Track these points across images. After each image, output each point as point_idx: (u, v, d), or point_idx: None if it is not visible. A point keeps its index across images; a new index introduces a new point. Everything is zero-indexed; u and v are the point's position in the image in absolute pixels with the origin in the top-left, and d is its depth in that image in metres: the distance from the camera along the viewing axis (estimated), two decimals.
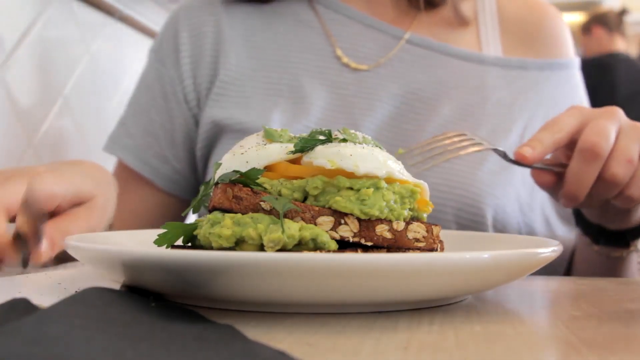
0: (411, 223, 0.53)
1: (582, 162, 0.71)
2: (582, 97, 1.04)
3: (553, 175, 0.76)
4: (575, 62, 1.06)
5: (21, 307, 0.41)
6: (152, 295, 0.49)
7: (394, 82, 0.97)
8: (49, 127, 1.04)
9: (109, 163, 1.07)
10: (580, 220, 0.87)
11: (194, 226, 0.54)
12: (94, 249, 0.50)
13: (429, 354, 0.38)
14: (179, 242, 0.56)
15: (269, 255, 0.42)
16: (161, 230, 0.55)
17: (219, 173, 0.56)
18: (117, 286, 0.51)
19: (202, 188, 0.58)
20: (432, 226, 0.54)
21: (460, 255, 0.45)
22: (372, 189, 0.52)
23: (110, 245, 0.50)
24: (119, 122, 1.03)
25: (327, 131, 0.57)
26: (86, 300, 0.42)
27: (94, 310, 0.40)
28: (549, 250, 0.52)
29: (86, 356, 0.31)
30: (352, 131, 0.58)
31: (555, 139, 0.73)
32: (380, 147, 0.58)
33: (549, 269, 0.62)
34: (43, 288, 0.54)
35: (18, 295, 0.43)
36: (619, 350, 0.40)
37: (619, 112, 0.74)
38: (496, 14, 1.04)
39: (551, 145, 0.73)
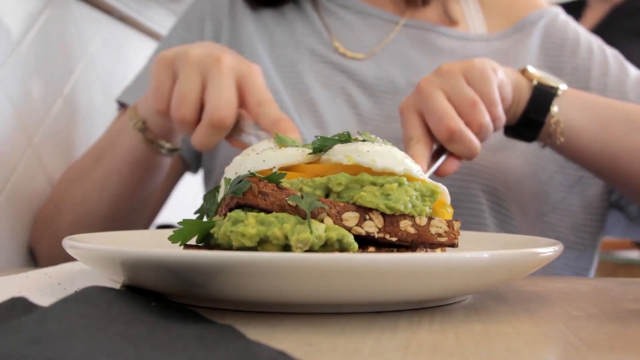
0: (433, 219, 0.53)
1: (457, 144, 0.74)
2: (577, 32, 1.05)
3: (451, 163, 0.77)
4: (549, 11, 1.07)
5: (20, 306, 0.41)
6: (152, 295, 0.49)
7: (392, 63, 1.01)
8: (49, 127, 1.04)
9: None
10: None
11: (211, 224, 0.54)
12: (94, 249, 0.50)
13: (429, 354, 0.38)
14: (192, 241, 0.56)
15: (269, 256, 0.42)
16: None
17: (231, 172, 0.56)
18: (117, 286, 0.51)
19: (206, 197, 0.58)
20: (453, 221, 0.55)
21: (460, 255, 0.45)
22: (396, 184, 0.52)
23: (110, 245, 0.50)
24: (137, 77, 1.05)
25: (346, 133, 0.57)
26: (86, 300, 0.42)
27: (94, 310, 0.40)
28: (549, 250, 0.52)
29: (86, 356, 0.31)
30: (373, 136, 0.59)
31: (422, 150, 0.74)
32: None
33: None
34: (43, 288, 0.54)
35: (17, 295, 0.43)
36: (619, 350, 0.40)
37: (437, 76, 0.76)
38: (480, 10, 1.08)
39: (426, 155, 0.74)
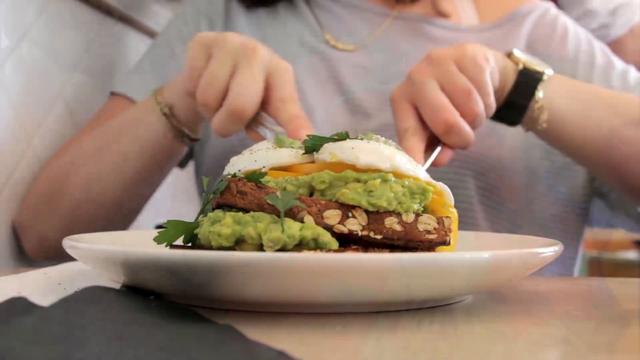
0: (421, 215, 0.52)
1: (453, 136, 0.74)
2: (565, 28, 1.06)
3: (445, 153, 0.77)
4: (540, 5, 1.07)
5: (20, 306, 0.41)
6: (152, 295, 0.49)
7: (383, 54, 1.02)
8: (49, 127, 1.04)
9: None
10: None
11: (195, 225, 0.54)
12: (94, 249, 0.50)
13: (429, 354, 0.38)
14: (179, 241, 0.56)
15: (269, 255, 0.42)
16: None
17: (226, 171, 0.56)
18: (117, 286, 0.51)
19: (203, 196, 0.58)
20: (444, 218, 0.53)
21: (460, 255, 0.45)
22: (379, 180, 0.51)
23: (110, 245, 0.50)
24: (132, 70, 1.05)
25: (344, 132, 0.57)
26: (86, 300, 0.42)
27: (94, 310, 0.40)
28: (550, 250, 0.52)
29: (86, 356, 0.31)
30: (376, 136, 0.58)
31: (417, 142, 0.74)
32: (398, 149, 0.57)
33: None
34: (43, 288, 0.54)
35: (17, 295, 0.43)
36: (619, 350, 0.40)
37: (428, 64, 0.76)
38: (472, 3, 1.09)
39: (422, 147, 0.74)
